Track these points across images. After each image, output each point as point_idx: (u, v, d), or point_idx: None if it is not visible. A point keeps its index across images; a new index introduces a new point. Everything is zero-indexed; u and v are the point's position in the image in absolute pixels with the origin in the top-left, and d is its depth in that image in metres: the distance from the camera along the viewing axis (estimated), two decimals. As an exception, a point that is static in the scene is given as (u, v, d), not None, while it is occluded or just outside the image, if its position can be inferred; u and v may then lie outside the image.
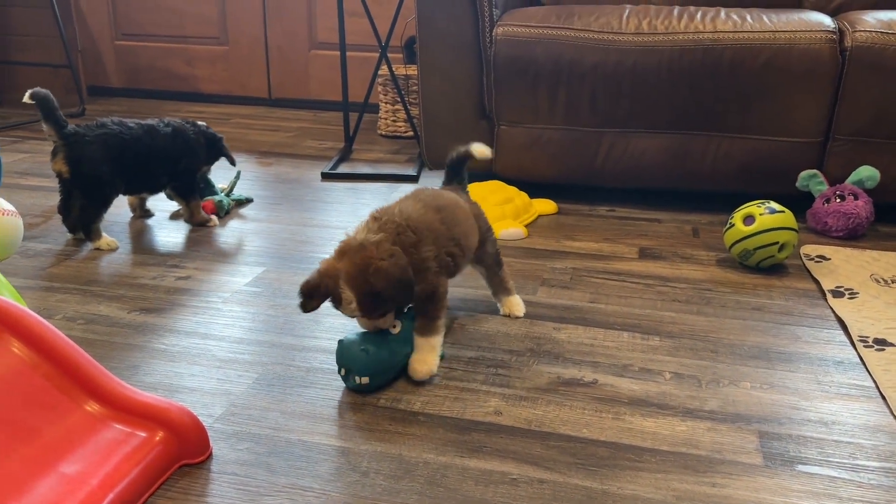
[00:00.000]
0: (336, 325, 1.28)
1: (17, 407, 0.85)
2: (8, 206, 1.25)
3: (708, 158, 1.85)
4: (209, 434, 0.93)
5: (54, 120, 1.52)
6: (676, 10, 1.86)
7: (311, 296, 1.05)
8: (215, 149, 1.80)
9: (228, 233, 1.74)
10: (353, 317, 1.07)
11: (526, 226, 1.78)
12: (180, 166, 1.72)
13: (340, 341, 1.08)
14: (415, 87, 2.73)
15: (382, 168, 2.34)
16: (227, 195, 1.91)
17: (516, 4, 2.11)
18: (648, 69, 1.78)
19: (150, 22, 3.33)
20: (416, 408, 1.04)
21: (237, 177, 1.98)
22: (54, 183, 1.67)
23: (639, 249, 1.66)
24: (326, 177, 2.24)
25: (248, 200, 1.98)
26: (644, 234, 1.76)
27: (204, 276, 1.48)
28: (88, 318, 1.28)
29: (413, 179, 2.22)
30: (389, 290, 1.02)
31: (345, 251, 1.06)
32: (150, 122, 1.70)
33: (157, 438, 0.88)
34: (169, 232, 1.74)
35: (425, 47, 1.95)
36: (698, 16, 1.81)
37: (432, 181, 2.19)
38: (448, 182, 1.38)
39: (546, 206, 1.91)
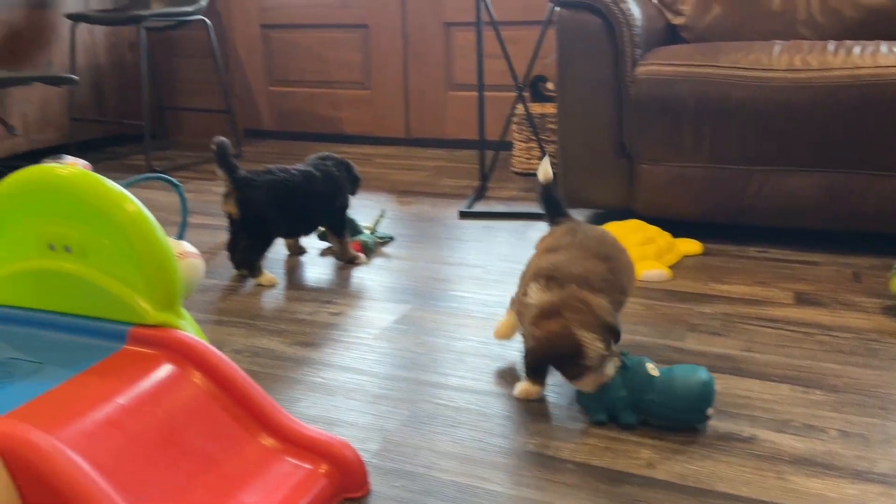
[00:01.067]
0: (480, 366, 1.30)
1: (200, 437, 0.92)
2: (192, 249, 1.38)
3: (871, 198, 1.74)
4: (367, 469, 0.97)
5: (228, 166, 1.66)
6: (831, 45, 1.77)
7: (554, 361, 1.09)
8: (353, 175, 1.92)
9: (374, 270, 1.82)
10: (585, 374, 1.06)
11: (669, 267, 1.74)
12: (335, 206, 1.83)
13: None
14: (549, 126, 2.75)
15: (518, 206, 2.36)
16: (372, 233, 2.00)
17: (658, 43, 2.09)
18: (802, 106, 1.71)
19: (300, 69, 3.56)
20: (565, 455, 1.04)
21: (382, 215, 2.07)
22: (219, 221, 1.81)
23: (795, 294, 1.58)
24: (464, 215, 2.29)
25: (390, 239, 2.06)
26: (800, 277, 1.68)
27: (354, 312, 1.56)
28: (254, 351, 1.38)
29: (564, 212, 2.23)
30: (616, 321, 1.06)
31: (550, 311, 1.08)
32: (304, 167, 1.83)
33: (322, 471, 0.93)
34: (320, 269, 1.84)
35: (564, 87, 1.97)
36: (856, 50, 1.72)
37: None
38: (557, 216, 1.38)
39: (690, 245, 1.86)
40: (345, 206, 1.87)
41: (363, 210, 2.25)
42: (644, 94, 1.84)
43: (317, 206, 1.80)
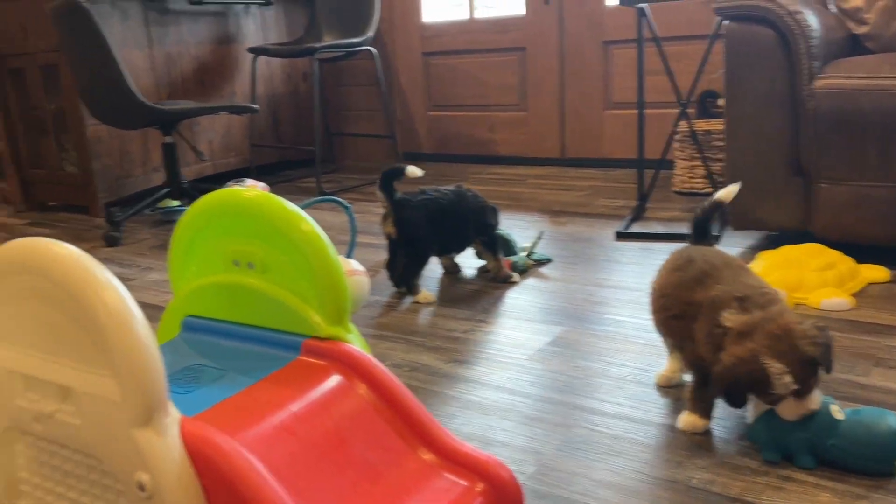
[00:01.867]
0: (639, 393, 1.26)
1: (364, 446, 0.96)
2: (359, 267, 1.46)
3: None
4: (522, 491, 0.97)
5: (388, 189, 1.74)
6: None
7: (739, 388, 1.01)
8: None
9: (528, 291, 1.81)
10: (778, 400, 1.01)
11: (852, 295, 1.60)
12: (485, 223, 1.87)
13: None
14: (715, 143, 2.63)
15: (678, 227, 2.27)
16: (529, 256, 2.00)
17: (838, 54, 1.94)
18: None
19: (457, 94, 3.66)
20: (734, 493, 0.97)
21: (540, 237, 2.07)
22: (381, 240, 1.89)
23: None
24: (621, 236, 2.24)
25: (548, 260, 2.05)
26: None
27: (508, 331, 1.56)
28: (412, 366, 1.42)
29: (714, 239, 2.12)
30: (820, 354, 0.97)
31: (746, 331, 1.01)
32: (455, 187, 1.88)
33: (478, 490, 0.93)
34: (475, 288, 1.87)
35: (733, 103, 1.88)
36: None
37: (736, 241, 2.07)
38: (701, 239, 1.29)
39: (876, 272, 1.70)
40: (495, 223, 1.91)
41: (518, 230, 2.26)
42: (823, 108, 1.72)
43: (467, 223, 1.85)
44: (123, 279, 2.10)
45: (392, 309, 1.74)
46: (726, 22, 1.86)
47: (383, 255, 1.87)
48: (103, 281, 0.80)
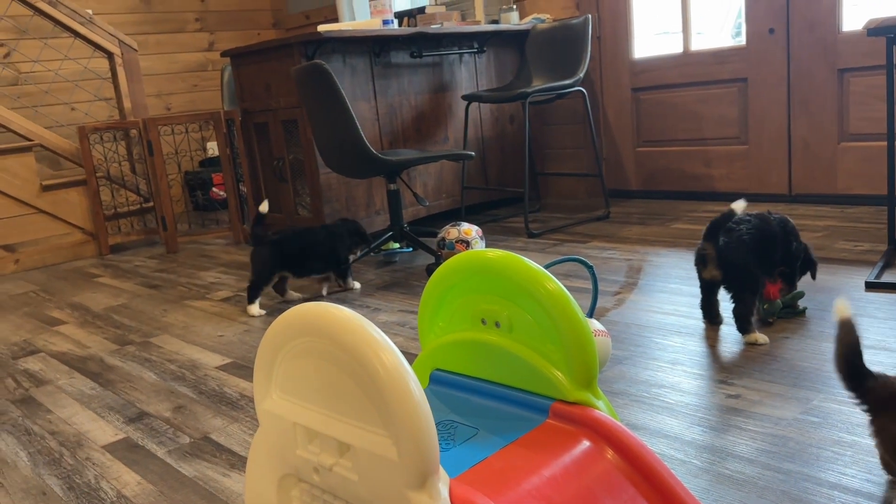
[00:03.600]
0: (926, 479, 1.10)
1: (618, 517, 0.93)
2: (600, 327, 1.43)
3: None
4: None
5: (713, 237, 1.75)
6: None
7: None
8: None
9: (778, 347, 1.68)
10: None
11: None
12: (792, 249, 1.83)
13: None
14: None
15: (944, 277, 2.00)
16: (786, 307, 1.86)
17: None
18: None
19: (669, 128, 3.54)
20: None
21: (801, 295, 1.90)
22: (608, 289, 1.85)
23: None
24: (871, 286, 2.01)
25: (802, 312, 1.88)
26: None
27: (756, 396, 1.45)
28: (654, 431, 1.36)
29: None
30: None
31: None
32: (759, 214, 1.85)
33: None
34: (726, 345, 1.76)
35: None
36: None
37: None
38: None
39: None
40: (799, 253, 1.85)
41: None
42: None
43: (777, 250, 1.81)
44: (355, 320, 2.24)
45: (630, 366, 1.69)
46: None
47: (610, 306, 1.83)
48: (382, 343, 0.84)
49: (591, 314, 1.45)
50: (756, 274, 1.74)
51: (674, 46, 3.47)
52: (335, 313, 0.87)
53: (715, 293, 1.84)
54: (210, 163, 5.16)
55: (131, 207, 3.96)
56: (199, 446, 1.50)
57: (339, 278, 2.55)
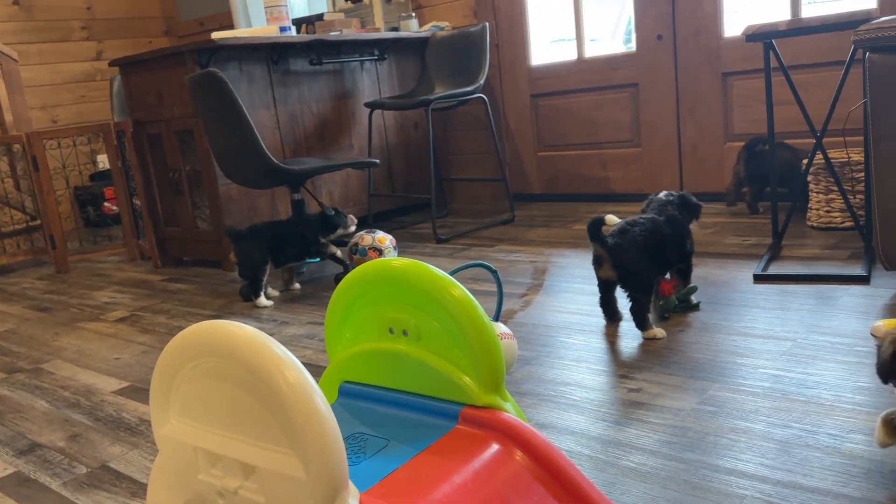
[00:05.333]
0: (811, 459, 1.17)
1: (529, 518, 0.94)
2: (507, 330, 1.45)
3: None
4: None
5: (598, 237, 1.83)
6: None
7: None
8: (692, 204, 2.03)
9: (674, 342, 1.75)
10: None
11: None
12: (686, 249, 1.94)
13: None
14: (854, 175, 2.48)
15: (820, 267, 2.14)
16: (680, 303, 1.95)
17: None
18: None
19: (568, 133, 3.64)
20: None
21: (695, 289, 1.99)
22: (513, 292, 1.88)
23: None
24: (759, 279, 2.13)
25: (696, 306, 1.97)
26: None
27: (655, 388, 1.50)
28: (561, 428, 1.39)
29: (863, 280, 1.99)
30: None
31: None
32: (650, 215, 1.95)
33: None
34: (626, 341, 1.82)
35: (882, 140, 1.77)
36: None
37: (887, 280, 1.93)
38: None
39: None
40: (692, 251, 1.97)
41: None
42: None
43: (671, 249, 1.91)
44: (261, 334, 2.19)
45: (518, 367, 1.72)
46: (869, 54, 1.76)
47: (517, 308, 1.86)
48: (285, 360, 0.82)
49: (496, 318, 1.47)
50: (650, 274, 1.83)
51: (569, 53, 3.58)
52: (235, 331, 0.84)
53: (612, 292, 1.91)
54: (101, 177, 4.92)
55: (17, 227, 3.72)
56: (97, 476, 1.42)
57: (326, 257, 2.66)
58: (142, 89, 3.22)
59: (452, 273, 1.16)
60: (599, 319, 1.95)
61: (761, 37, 2.12)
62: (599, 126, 3.52)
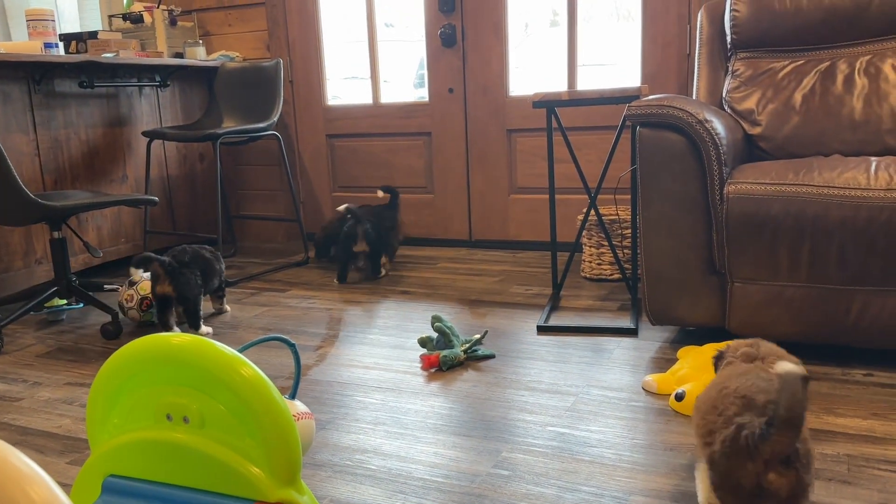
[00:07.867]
0: None
1: None
2: (304, 409, 1.35)
3: None
4: None
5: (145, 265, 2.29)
6: (932, 158, 1.72)
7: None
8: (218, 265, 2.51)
9: (464, 398, 1.76)
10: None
11: (775, 395, 1.65)
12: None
13: None
14: (623, 231, 2.72)
15: (594, 318, 2.30)
16: (467, 351, 1.97)
17: (738, 154, 2.07)
18: (906, 224, 1.65)
19: (363, 175, 3.63)
20: None
21: (483, 336, 2.03)
22: (305, 342, 1.78)
23: (920, 430, 1.47)
24: (542, 329, 2.24)
25: (490, 356, 2.01)
26: (920, 408, 1.57)
27: (448, 451, 1.49)
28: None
29: (632, 333, 2.17)
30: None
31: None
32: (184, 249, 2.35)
33: None
34: (423, 399, 1.79)
35: (648, 205, 1.94)
36: (961, 164, 1.66)
37: (655, 334, 2.12)
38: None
39: (792, 369, 1.77)
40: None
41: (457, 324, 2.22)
42: (735, 212, 1.80)
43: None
44: (8, 399, 1.87)
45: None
46: (640, 128, 1.94)
47: (312, 363, 1.76)
48: (29, 475, 0.68)
49: (293, 395, 1.37)
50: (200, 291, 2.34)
51: (364, 95, 3.58)
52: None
53: (170, 307, 2.31)
54: None
55: None
56: None
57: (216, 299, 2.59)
58: None
59: (242, 350, 1.06)
60: (397, 374, 1.92)
61: (546, 104, 2.26)
62: (394, 170, 3.55)
